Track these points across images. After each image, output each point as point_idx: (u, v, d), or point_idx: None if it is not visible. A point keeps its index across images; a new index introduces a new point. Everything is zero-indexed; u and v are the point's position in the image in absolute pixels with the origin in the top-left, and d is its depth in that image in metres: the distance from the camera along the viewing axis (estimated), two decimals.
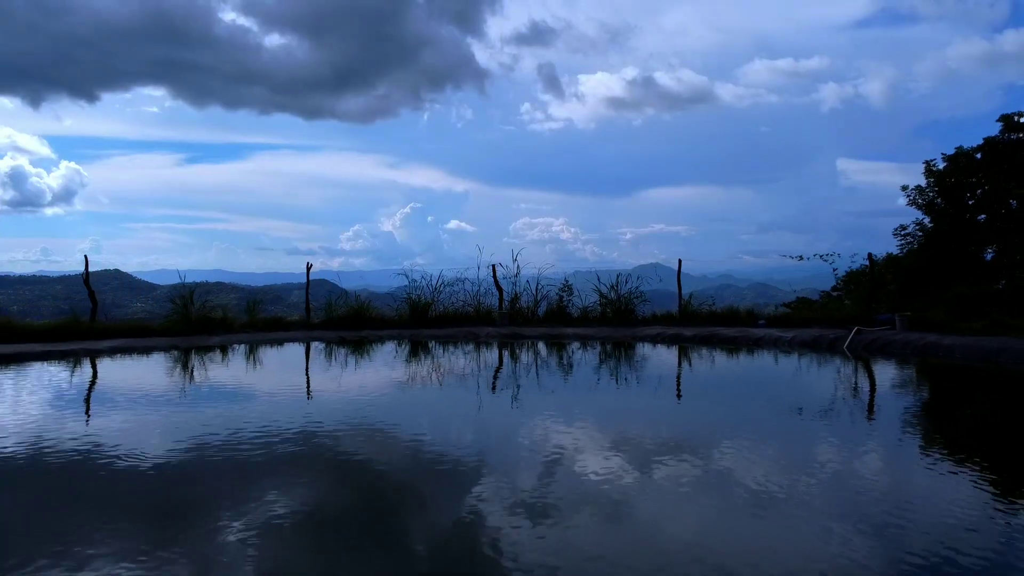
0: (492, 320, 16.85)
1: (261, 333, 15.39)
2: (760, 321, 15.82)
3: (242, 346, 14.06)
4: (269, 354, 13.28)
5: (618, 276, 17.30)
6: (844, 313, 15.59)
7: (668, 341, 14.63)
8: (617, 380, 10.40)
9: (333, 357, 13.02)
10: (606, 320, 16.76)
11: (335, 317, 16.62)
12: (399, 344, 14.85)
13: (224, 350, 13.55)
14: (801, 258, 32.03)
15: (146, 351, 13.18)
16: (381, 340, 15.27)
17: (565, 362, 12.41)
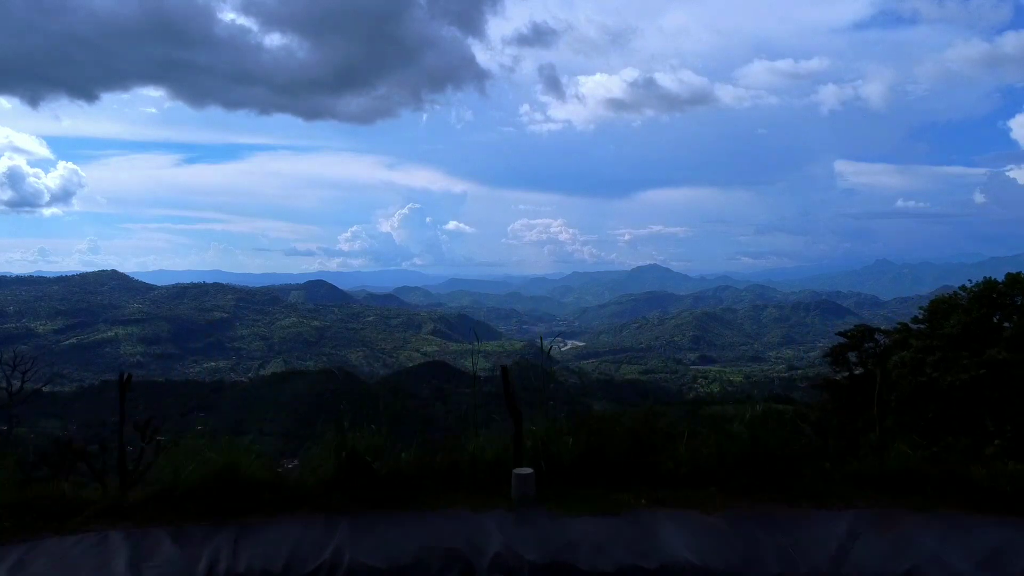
0: (504, 486, 7.93)
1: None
2: None
3: None
4: None
5: (751, 397, 8.47)
6: None
7: None
8: None
9: None
10: (734, 486, 7.80)
11: (179, 491, 7.27)
12: None
13: None
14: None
15: None
16: None
17: None
